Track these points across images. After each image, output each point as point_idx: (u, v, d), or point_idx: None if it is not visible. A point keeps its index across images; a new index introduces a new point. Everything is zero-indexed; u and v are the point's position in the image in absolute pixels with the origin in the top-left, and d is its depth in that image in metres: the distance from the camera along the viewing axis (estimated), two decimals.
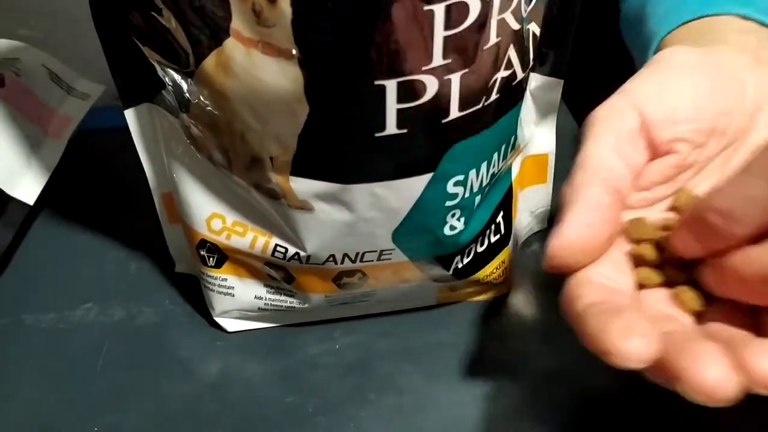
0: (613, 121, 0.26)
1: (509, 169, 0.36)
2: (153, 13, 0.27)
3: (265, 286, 0.35)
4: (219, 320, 0.36)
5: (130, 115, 0.32)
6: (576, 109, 0.54)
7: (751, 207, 0.22)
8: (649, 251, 0.26)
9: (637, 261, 0.26)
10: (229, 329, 0.36)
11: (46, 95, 0.45)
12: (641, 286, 0.26)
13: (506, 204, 0.36)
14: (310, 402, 0.33)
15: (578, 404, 0.33)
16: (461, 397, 0.34)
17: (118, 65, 0.31)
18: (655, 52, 0.33)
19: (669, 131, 0.26)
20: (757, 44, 0.30)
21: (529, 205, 0.41)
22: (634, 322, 0.21)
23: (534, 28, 0.31)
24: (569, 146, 0.45)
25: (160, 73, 0.29)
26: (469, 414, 0.33)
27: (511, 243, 0.38)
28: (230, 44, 0.26)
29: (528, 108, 0.36)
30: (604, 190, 0.25)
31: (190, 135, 0.31)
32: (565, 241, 0.24)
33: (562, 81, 0.36)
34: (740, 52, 0.29)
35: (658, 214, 0.27)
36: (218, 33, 0.26)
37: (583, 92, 0.60)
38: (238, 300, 0.35)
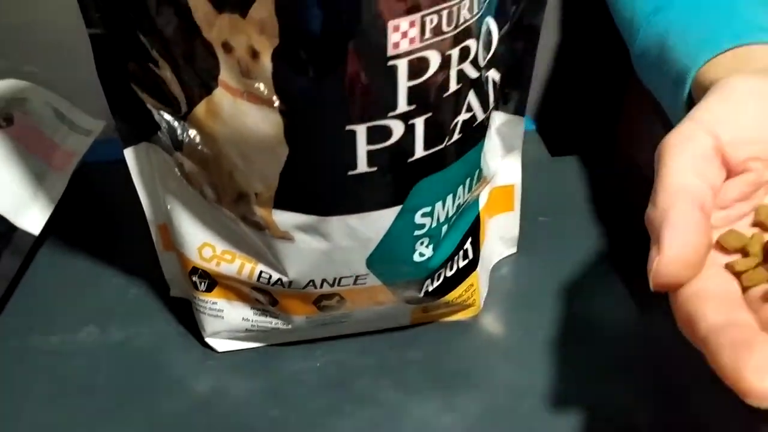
0: (688, 144, 0.27)
1: (476, 200, 0.40)
2: (150, 65, 0.31)
3: (252, 308, 0.38)
4: (210, 341, 0.39)
5: (128, 153, 0.35)
6: (549, 141, 0.57)
7: None
8: (754, 254, 0.27)
9: (737, 270, 0.27)
10: (219, 349, 0.39)
11: (51, 132, 0.48)
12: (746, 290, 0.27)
13: (474, 231, 0.40)
14: (292, 415, 0.36)
15: (543, 417, 0.36)
16: (433, 410, 0.36)
17: (119, 108, 0.34)
18: (693, 84, 0.36)
19: (743, 151, 0.28)
20: None
21: (499, 232, 0.44)
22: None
23: (493, 74, 0.34)
24: (542, 176, 0.48)
25: (156, 116, 0.33)
26: (439, 425, 0.36)
27: (479, 267, 0.41)
28: (219, 93, 0.30)
29: (494, 143, 0.39)
30: (692, 207, 0.26)
31: (183, 171, 0.34)
32: (667, 259, 0.25)
33: (524, 118, 0.39)
34: None
35: (744, 229, 0.29)
36: (208, 83, 0.30)
37: (556, 125, 0.64)
38: (227, 322, 0.38)
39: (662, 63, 0.40)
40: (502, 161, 0.41)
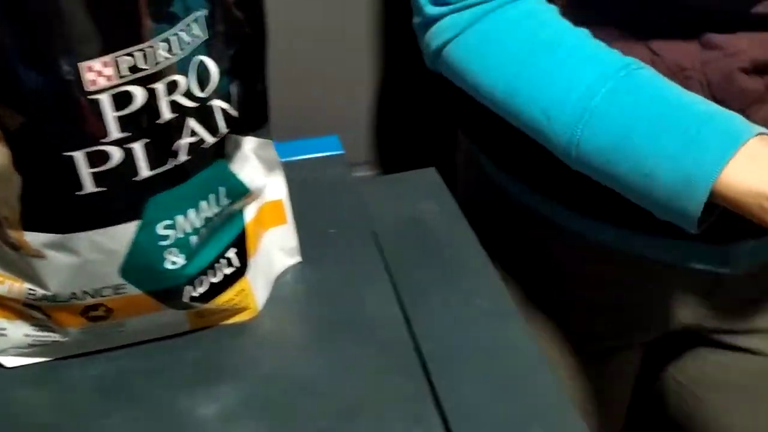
0: None
1: (240, 213, 0.45)
2: None
3: (31, 325, 0.42)
4: None
5: None
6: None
7: None
8: None
9: None
10: (8, 365, 0.43)
11: None
12: None
13: (239, 242, 0.45)
14: (69, 418, 0.40)
15: (298, 401, 0.41)
16: (196, 401, 0.41)
17: None
18: (714, 190, 0.40)
19: None
20: None
21: (277, 243, 0.49)
22: None
23: (220, 103, 0.40)
24: (342, 194, 0.54)
25: None
26: (200, 413, 0.40)
27: (253, 274, 0.46)
28: None
29: (253, 164, 0.45)
30: None
31: None
32: None
33: (272, 141, 0.45)
34: None
35: None
36: None
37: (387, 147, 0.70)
38: (10, 339, 0.42)
39: (637, 169, 0.43)
40: (267, 179, 0.46)
